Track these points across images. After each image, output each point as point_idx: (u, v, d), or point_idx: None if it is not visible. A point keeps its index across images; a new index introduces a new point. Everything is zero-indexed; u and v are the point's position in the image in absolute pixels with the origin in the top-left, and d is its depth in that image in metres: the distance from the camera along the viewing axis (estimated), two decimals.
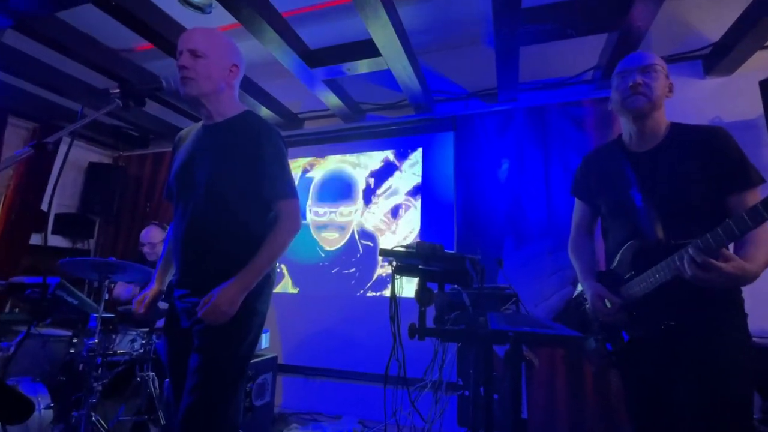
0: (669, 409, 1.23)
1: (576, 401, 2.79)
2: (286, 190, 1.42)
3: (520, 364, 1.09)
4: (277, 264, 3.75)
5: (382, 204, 3.68)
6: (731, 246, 1.13)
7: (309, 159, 4.03)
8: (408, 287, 1.50)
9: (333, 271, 3.72)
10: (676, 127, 1.36)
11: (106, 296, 2.29)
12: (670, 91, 1.38)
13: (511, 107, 3.32)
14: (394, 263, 1.39)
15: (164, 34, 2.69)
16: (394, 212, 3.64)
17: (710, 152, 1.26)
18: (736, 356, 1.17)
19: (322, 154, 3.99)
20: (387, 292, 3.37)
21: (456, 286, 1.55)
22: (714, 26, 2.75)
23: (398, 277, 1.42)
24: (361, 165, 3.85)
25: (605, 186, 1.48)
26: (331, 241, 3.78)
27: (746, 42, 2.48)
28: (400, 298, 1.43)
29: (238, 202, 1.38)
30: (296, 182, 3.84)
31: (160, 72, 3.45)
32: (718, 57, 2.70)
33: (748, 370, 1.17)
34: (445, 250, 1.34)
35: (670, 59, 2.89)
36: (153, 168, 4.70)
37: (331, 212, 3.82)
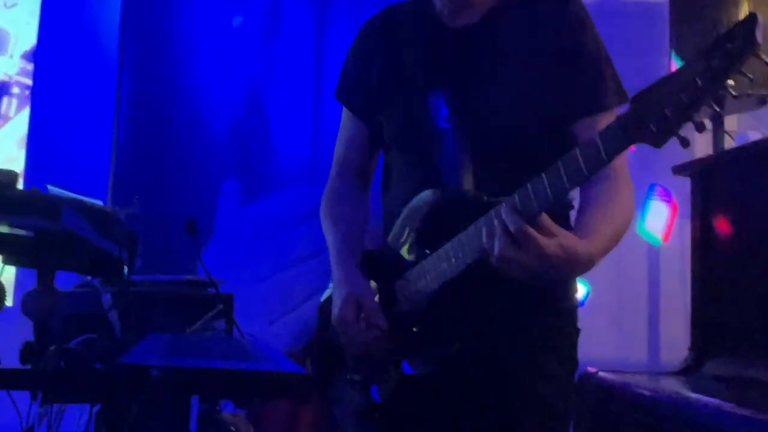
0: None
1: None
2: None
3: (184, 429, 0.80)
4: None
5: None
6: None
7: None
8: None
9: None
10: None
11: None
12: None
13: None
14: None
15: None
16: None
17: (558, 43, 0.84)
18: (552, 404, 0.83)
19: None
20: None
21: (91, 278, 1.13)
22: None
23: None
24: None
25: (393, 85, 0.94)
26: None
27: None
28: None
29: None
30: None
31: None
32: None
33: (565, 423, 0.95)
34: (34, 191, 0.84)
35: None
36: None
37: None
